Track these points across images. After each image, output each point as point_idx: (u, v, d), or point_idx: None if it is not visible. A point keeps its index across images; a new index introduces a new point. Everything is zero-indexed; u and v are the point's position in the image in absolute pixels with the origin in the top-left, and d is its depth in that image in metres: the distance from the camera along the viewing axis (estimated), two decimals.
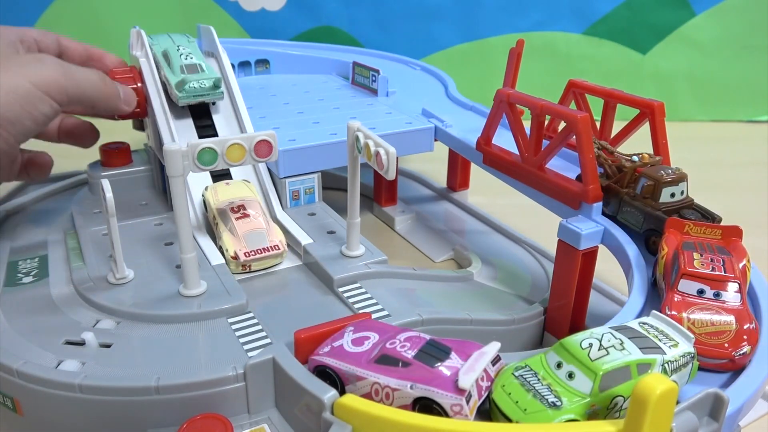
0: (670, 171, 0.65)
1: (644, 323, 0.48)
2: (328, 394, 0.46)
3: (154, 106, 0.83)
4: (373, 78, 1.06)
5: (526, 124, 0.72)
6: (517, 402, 0.43)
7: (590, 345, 0.45)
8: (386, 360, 0.47)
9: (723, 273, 0.52)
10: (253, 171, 0.84)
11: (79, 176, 0.96)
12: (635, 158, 0.68)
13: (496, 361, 0.47)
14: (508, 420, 0.43)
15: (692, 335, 0.47)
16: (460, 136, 0.85)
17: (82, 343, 0.58)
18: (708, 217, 0.63)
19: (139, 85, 0.83)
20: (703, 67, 1.64)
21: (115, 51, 0.81)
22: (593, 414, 0.42)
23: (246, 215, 0.72)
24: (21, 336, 0.59)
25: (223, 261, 0.70)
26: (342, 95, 1.08)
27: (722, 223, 0.61)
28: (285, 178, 0.81)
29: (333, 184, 1.06)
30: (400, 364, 0.46)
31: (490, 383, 0.46)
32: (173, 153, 0.57)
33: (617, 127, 0.80)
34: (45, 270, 0.71)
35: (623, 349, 0.44)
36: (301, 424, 0.50)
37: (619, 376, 0.43)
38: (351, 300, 0.65)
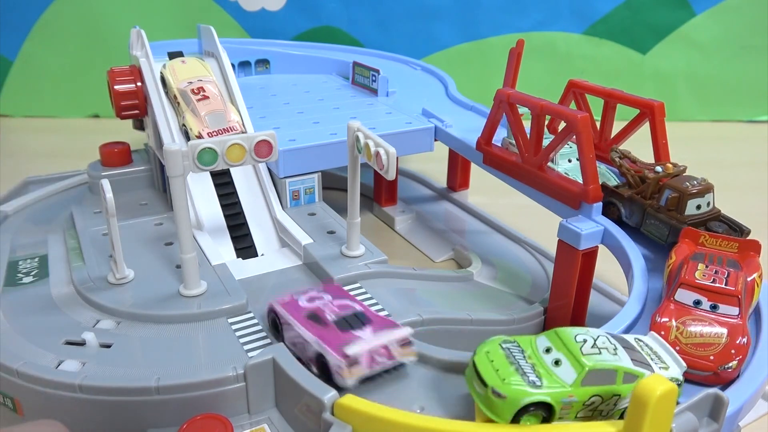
0: (695, 182, 0.63)
1: (640, 340, 0.48)
2: (329, 394, 0.46)
3: (153, 105, 0.83)
4: (373, 78, 1.06)
5: (527, 125, 0.72)
6: (497, 370, 0.43)
7: (584, 341, 0.44)
8: (313, 317, 0.54)
9: (723, 286, 0.51)
10: (253, 171, 0.84)
11: (79, 176, 0.96)
12: (659, 168, 0.67)
13: (405, 344, 0.51)
14: (483, 384, 0.43)
15: (684, 364, 0.46)
16: (460, 136, 0.85)
17: (82, 343, 0.58)
18: (736, 229, 0.62)
19: (139, 84, 0.83)
20: (703, 67, 1.64)
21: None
22: (567, 405, 0.42)
23: (206, 97, 0.79)
24: (21, 336, 0.59)
25: (224, 261, 0.70)
26: (342, 95, 1.07)
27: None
28: (285, 178, 0.81)
29: (333, 184, 1.06)
30: (321, 323, 0.53)
31: (389, 361, 0.51)
32: (173, 153, 0.57)
33: (617, 127, 0.80)
34: (45, 270, 0.71)
35: (615, 354, 0.44)
36: (301, 425, 0.50)
37: (604, 377, 0.42)
38: None
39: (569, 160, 0.74)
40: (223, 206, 0.80)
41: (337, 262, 0.70)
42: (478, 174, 0.89)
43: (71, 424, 0.53)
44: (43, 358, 0.55)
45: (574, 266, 0.65)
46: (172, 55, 0.91)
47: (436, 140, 0.90)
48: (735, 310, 0.50)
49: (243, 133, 0.80)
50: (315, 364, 0.51)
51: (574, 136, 0.65)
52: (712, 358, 0.48)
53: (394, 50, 1.39)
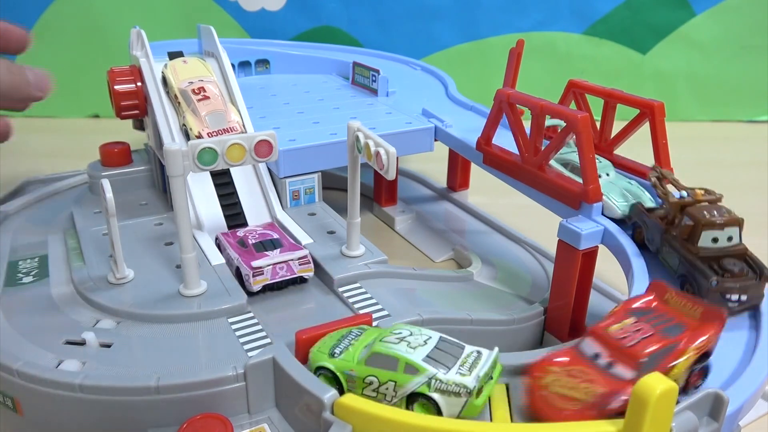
0: (715, 213, 0.57)
1: (480, 351, 0.49)
2: (328, 393, 0.46)
3: (153, 105, 0.83)
4: (373, 78, 1.06)
5: (526, 124, 0.72)
6: (324, 343, 0.52)
7: (399, 333, 0.50)
8: (240, 242, 0.70)
9: (629, 346, 0.46)
10: (254, 171, 0.84)
11: (79, 176, 0.96)
12: (684, 193, 0.61)
13: (303, 262, 0.67)
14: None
15: (474, 378, 0.45)
16: (460, 136, 0.85)
17: (82, 343, 0.58)
18: (756, 270, 0.56)
19: (139, 84, 0.83)
20: (703, 67, 1.64)
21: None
22: (351, 379, 0.48)
23: (206, 97, 0.80)
24: (21, 336, 0.59)
25: (224, 261, 0.70)
26: (342, 95, 1.08)
27: None
28: (285, 178, 0.81)
29: (333, 184, 1.06)
30: (244, 246, 0.69)
31: (288, 274, 0.66)
32: (173, 153, 0.57)
33: (617, 127, 0.80)
34: (45, 270, 0.71)
35: (413, 349, 0.48)
36: (301, 424, 0.50)
37: (386, 362, 0.47)
38: (351, 300, 0.65)
39: (607, 174, 0.70)
40: (223, 206, 0.80)
41: (337, 262, 0.70)
42: (478, 174, 0.89)
43: (71, 424, 0.53)
44: (43, 357, 0.55)
45: (574, 266, 0.65)
46: (173, 55, 0.91)
47: (436, 140, 0.90)
48: (630, 374, 0.45)
49: (243, 133, 0.80)
50: (236, 275, 0.67)
51: (574, 136, 0.65)
52: (567, 414, 0.44)
53: (394, 50, 1.39)
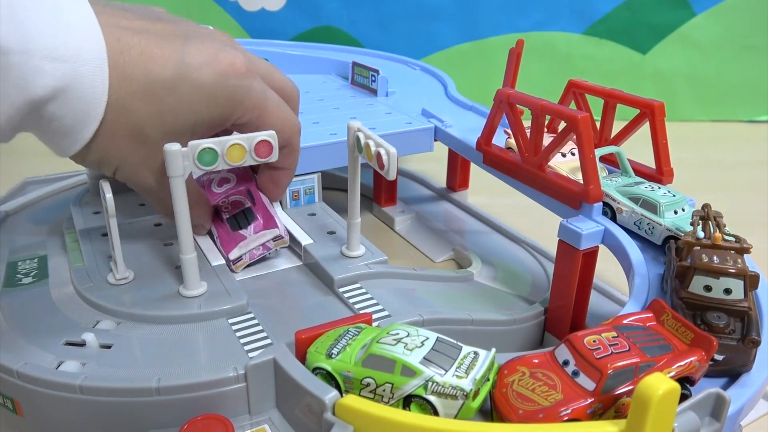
0: (716, 258, 0.51)
1: (478, 352, 0.49)
2: (330, 394, 0.46)
3: None
4: (373, 78, 1.06)
5: (526, 124, 0.72)
6: (322, 342, 0.52)
7: (396, 334, 0.50)
8: (215, 210, 0.72)
9: (597, 358, 0.45)
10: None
11: (79, 176, 0.96)
12: (701, 234, 0.56)
13: (278, 239, 0.70)
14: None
15: (470, 382, 0.45)
16: (460, 136, 0.85)
17: (82, 344, 0.57)
18: (744, 335, 0.49)
19: None
20: (703, 67, 1.64)
21: None
22: (348, 380, 0.48)
23: None
24: (21, 337, 0.59)
25: (223, 262, 0.69)
26: (341, 95, 1.07)
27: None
28: None
29: (333, 184, 1.06)
30: (219, 218, 0.71)
31: (265, 251, 0.70)
32: (173, 153, 0.57)
33: (617, 127, 0.80)
34: (44, 271, 0.71)
35: (410, 351, 0.47)
36: (303, 425, 0.50)
37: (383, 364, 0.47)
38: (351, 300, 0.65)
39: (683, 209, 0.66)
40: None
41: (337, 262, 0.69)
42: (477, 174, 0.89)
43: (72, 426, 0.53)
44: (43, 359, 0.55)
45: (575, 266, 0.65)
46: None
47: (435, 140, 0.90)
48: (591, 385, 0.44)
49: None
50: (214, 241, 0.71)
51: (575, 136, 0.65)
52: (521, 412, 0.44)
53: (394, 50, 1.39)
